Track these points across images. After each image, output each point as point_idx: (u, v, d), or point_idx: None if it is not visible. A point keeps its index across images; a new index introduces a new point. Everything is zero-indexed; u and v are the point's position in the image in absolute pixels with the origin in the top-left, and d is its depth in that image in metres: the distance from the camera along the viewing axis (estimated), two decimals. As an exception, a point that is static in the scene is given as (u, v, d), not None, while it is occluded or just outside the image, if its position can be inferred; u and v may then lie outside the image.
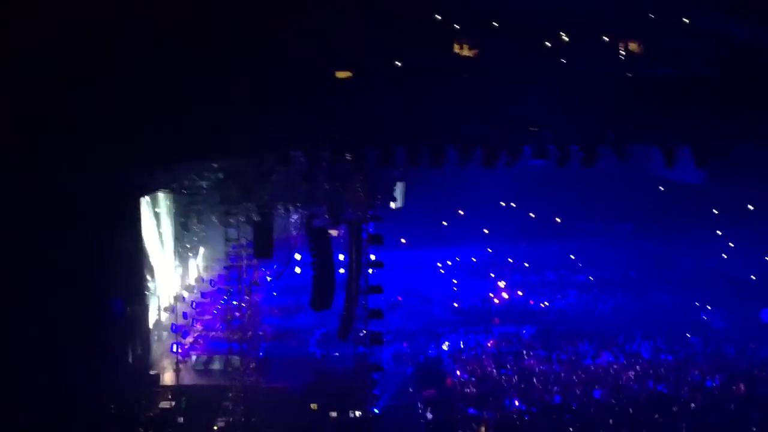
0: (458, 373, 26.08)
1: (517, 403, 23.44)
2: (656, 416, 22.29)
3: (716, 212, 33.58)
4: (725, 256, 33.94)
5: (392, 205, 28.40)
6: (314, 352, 26.88)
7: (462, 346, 28.79)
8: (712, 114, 18.40)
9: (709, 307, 31.86)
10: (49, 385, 16.23)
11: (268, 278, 31.73)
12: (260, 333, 26.75)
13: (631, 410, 22.71)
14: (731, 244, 33.75)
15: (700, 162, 19.23)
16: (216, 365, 25.30)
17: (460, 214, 36.81)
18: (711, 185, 26.51)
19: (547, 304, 33.69)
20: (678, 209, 32.77)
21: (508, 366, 26.42)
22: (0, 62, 13.15)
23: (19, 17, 13.70)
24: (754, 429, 21.46)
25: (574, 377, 25.43)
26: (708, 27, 19.79)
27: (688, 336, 29.04)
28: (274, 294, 32.48)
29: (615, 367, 26.43)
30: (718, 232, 34.02)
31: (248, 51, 17.81)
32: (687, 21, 20.56)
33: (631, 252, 34.88)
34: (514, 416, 22.54)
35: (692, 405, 23.10)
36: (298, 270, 31.61)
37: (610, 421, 22.08)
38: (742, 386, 24.18)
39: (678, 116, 18.58)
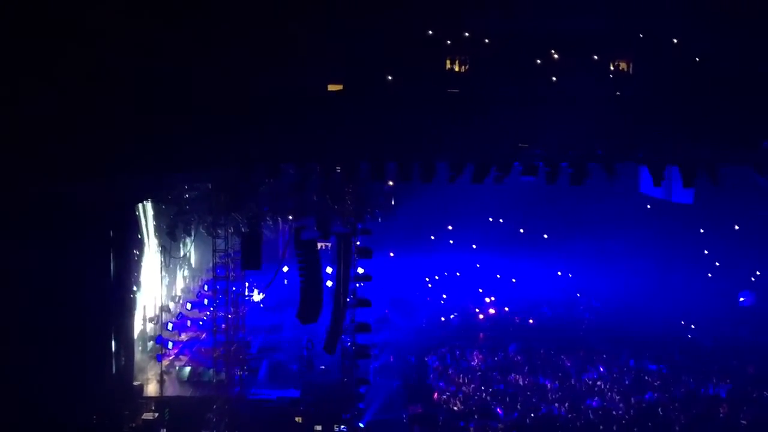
0: (444, 387, 26.02)
1: (501, 414, 23.47)
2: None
3: (703, 231, 33.81)
4: (710, 275, 34.15)
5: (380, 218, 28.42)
6: (302, 364, 26.74)
7: (449, 361, 28.75)
8: (700, 135, 18.59)
9: (693, 327, 32.01)
10: (31, 396, 16.06)
11: (255, 290, 31.59)
12: (245, 345, 26.58)
13: (620, 422, 22.80)
14: (717, 264, 33.96)
15: (687, 182, 19.41)
16: (201, 377, 25.10)
17: (448, 228, 36.84)
18: (699, 205, 26.72)
19: (532, 321, 33.76)
20: (667, 228, 32.95)
21: (494, 381, 26.40)
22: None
23: (17, 19, 13.68)
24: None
25: (560, 392, 25.46)
26: (699, 48, 19.99)
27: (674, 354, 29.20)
28: (261, 306, 32.33)
29: (600, 383, 26.48)
30: (705, 252, 34.23)
31: (240, 64, 17.83)
32: (676, 41, 20.74)
33: (619, 270, 34.99)
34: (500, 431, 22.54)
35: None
36: (285, 282, 31.50)
37: (601, 427, 22.28)
38: (725, 406, 24.28)
39: (666, 136, 18.77)
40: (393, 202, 28.11)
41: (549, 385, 26.14)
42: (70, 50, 14.48)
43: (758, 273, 33.29)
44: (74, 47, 14.62)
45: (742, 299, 30.13)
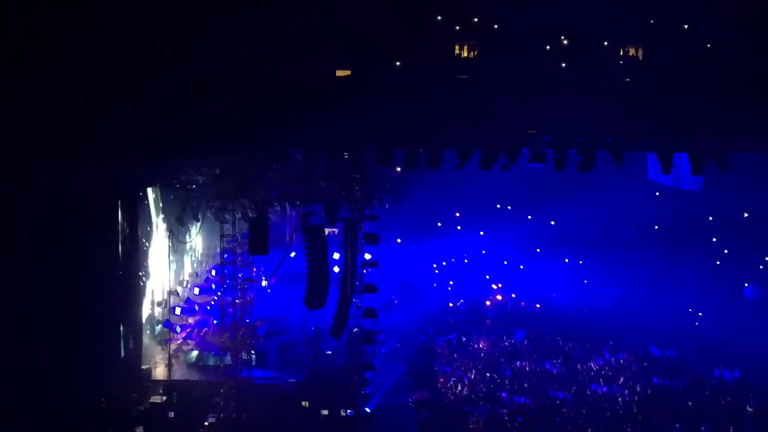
0: (451, 373, 26.10)
1: (507, 399, 23.56)
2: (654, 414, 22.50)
3: (711, 219, 33.67)
4: (719, 263, 34.03)
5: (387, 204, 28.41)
6: (308, 349, 26.85)
7: (455, 347, 28.81)
8: (710, 122, 18.48)
9: (700, 314, 31.96)
10: (40, 379, 16.19)
11: (263, 276, 31.67)
12: (252, 329, 26.71)
13: (627, 408, 22.87)
14: (726, 251, 33.83)
15: (696, 170, 19.31)
16: (208, 361, 25.25)
17: (456, 215, 36.80)
18: (707, 192, 26.59)
19: (539, 305, 33.78)
20: (675, 216, 32.83)
21: (501, 367, 26.46)
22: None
23: (23, 9, 13.70)
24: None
25: (567, 378, 25.52)
26: (709, 35, 19.83)
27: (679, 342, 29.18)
28: (268, 291, 32.44)
29: (606, 369, 26.53)
30: (714, 239, 34.10)
31: (248, 49, 17.78)
32: (686, 27, 20.59)
33: (627, 257, 34.92)
34: (506, 417, 22.59)
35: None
36: (292, 268, 31.54)
37: (608, 413, 22.37)
38: (728, 398, 24.24)
39: (676, 123, 18.66)
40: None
41: (555, 371, 26.20)
42: (76, 38, 14.47)
43: (767, 259, 33.16)
44: (81, 35, 14.61)
45: (746, 286, 29.76)
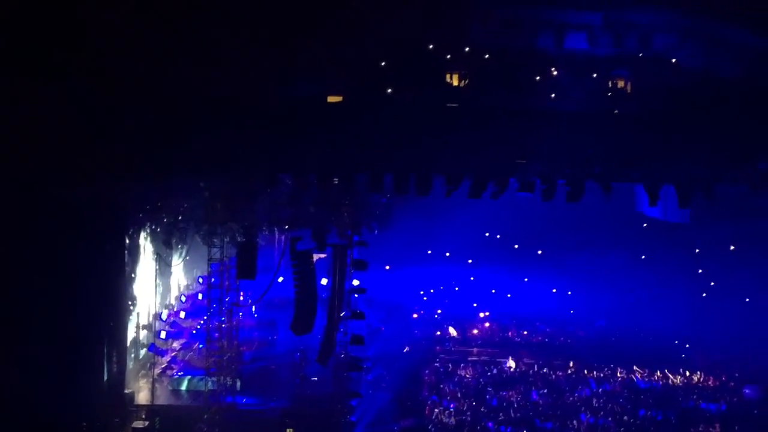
0: (437, 401, 25.96)
1: (493, 428, 23.44)
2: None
3: (698, 251, 33.81)
4: (705, 295, 34.16)
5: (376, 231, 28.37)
6: (294, 375, 26.65)
7: (442, 375, 28.69)
8: (697, 155, 18.67)
9: (687, 346, 32.03)
10: (22, 402, 15.98)
11: (249, 300, 31.50)
12: (238, 354, 26.50)
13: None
14: (712, 283, 33.97)
15: (683, 202, 19.46)
16: (192, 386, 24.99)
17: (444, 242, 36.79)
18: (694, 225, 26.76)
19: (526, 333, 33.75)
20: (662, 248, 32.98)
21: (488, 396, 26.35)
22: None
23: (22, 24, 13.78)
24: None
25: (553, 408, 25.44)
26: (696, 66, 20.11)
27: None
28: (255, 315, 32.23)
29: (593, 399, 26.46)
30: (700, 271, 34.25)
31: (240, 73, 17.87)
32: (674, 60, 20.87)
33: (614, 287, 35.02)
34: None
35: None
36: (279, 292, 31.39)
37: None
38: (718, 426, 24.21)
39: (664, 155, 18.84)
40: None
41: (542, 401, 26.11)
42: (73, 56, 14.54)
43: (747, 300, 33.17)
44: (80, 52, 14.68)
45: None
